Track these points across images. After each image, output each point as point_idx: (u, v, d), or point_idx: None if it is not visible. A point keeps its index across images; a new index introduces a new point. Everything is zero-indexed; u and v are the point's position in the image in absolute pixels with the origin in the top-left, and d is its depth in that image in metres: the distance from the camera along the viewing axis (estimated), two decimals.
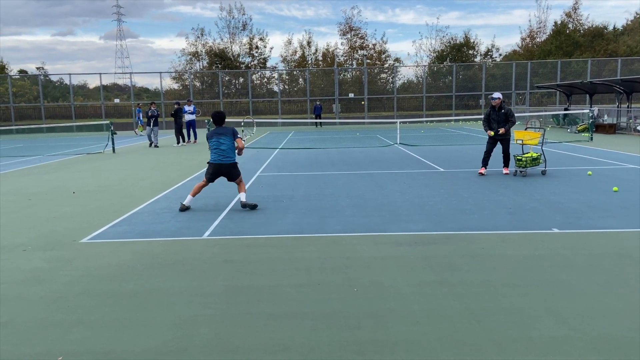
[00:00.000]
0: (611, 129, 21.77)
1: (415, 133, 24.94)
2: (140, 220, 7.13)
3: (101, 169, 13.39)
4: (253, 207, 7.60)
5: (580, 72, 38.47)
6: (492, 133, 10.32)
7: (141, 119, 30.84)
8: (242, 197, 7.68)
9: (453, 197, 8.18)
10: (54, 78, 47.54)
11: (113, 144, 18.70)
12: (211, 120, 7.81)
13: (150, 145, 20.30)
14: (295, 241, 5.87)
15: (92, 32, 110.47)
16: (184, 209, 7.61)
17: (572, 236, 5.79)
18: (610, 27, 57.36)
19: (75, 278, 4.81)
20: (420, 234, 6.01)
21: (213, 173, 7.69)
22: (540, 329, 3.51)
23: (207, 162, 7.84)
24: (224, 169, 7.64)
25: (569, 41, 52.02)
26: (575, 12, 55.76)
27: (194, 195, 7.77)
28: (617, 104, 24.28)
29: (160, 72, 39.19)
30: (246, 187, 9.73)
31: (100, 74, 38.33)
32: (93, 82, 41.92)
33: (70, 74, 38.10)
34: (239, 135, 7.78)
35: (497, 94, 10.27)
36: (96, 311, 4.02)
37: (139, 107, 31.44)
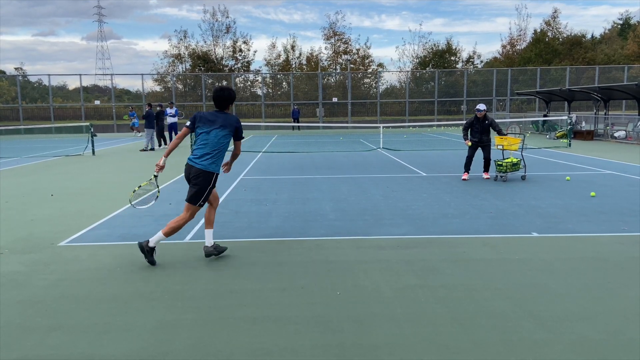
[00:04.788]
0: (589, 136, 22.21)
1: (398, 138, 25.12)
2: (121, 224, 7.03)
3: (80, 172, 13.18)
4: (219, 252, 5.35)
5: (559, 79, 39.21)
6: (470, 143, 10.53)
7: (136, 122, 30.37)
8: (208, 237, 5.32)
9: (435, 202, 8.25)
10: (32, 79, 46.79)
11: (93, 146, 18.43)
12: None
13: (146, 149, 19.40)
14: (278, 245, 5.86)
15: (74, 32, 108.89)
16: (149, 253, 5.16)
17: (551, 240, 5.88)
18: (589, 36, 58.71)
19: (53, 282, 4.72)
20: (403, 238, 6.04)
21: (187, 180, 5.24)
22: (521, 331, 3.55)
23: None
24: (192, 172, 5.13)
25: (548, 49, 53.06)
26: (554, 20, 56.92)
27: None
28: (595, 111, 24.79)
29: (142, 74, 38.84)
30: (229, 189, 9.69)
31: (80, 75, 37.87)
32: (73, 84, 41.31)
33: (49, 75, 37.52)
34: (242, 135, 5.32)
35: (482, 106, 10.43)
36: (75, 315, 3.94)
37: (132, 110, 30.99)
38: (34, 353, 3.36)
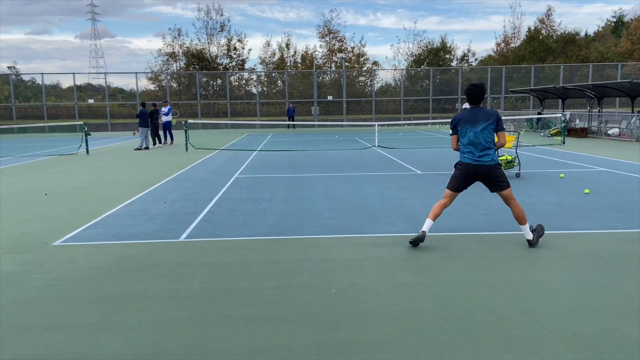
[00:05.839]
0: (583, 133, 22.31)
1: (393, 136, 25.14)
2: (115, 223, 7.00)
3: (74, 171, 13.12)
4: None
5: (553, 77, 39.36)
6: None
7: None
8: (527, 231, 5.52)
9: (430, 199, 8.26)
10: (26, 77, 46.48)
11: (87, 145, 18.35)
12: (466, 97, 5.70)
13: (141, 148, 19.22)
14: (273, 243, 5.85)
15: (68, 31, 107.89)
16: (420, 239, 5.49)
17: (545, 237, 5.89)
18: (583, 34, 58.92)
19: (47, 281, 4.69)
20: (398, 236, 6.05)
21: (464, 177, 5.55)
22: (516, 328, 3.57)
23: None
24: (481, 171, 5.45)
25: (542, 47, 53.22)
26: (548, 18, 57.12)
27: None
28: (589, 108, 24.90)
29: (136, 73, 38.68)
30: (224, 188, 9.67)
31: (73, 73, 37.63)
32: (66, 82, 41.10)
33: (42, 74, 37.29)
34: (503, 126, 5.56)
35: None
36: (69, 315, 3.93)
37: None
38: (28, 353, 3.34)
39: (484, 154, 5.41)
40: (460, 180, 5.54)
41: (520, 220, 5.51)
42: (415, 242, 5.51)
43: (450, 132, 5.71)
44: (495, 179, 5.46)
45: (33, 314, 3.98)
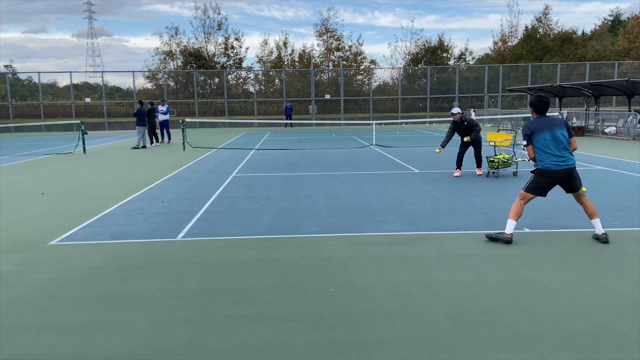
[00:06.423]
0: (580, 132, 22.35)
1: (390, 134, 25.15)
2: (112, 222, 6.99)
3: (71, 170, 13.08)
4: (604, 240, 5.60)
5: (550, 75, 39.42)
6: (439, 150, 10.70)
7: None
8: (598, 226, 5.68)
9: (427, 198, 8.27)
10: (22, 76, 46.30)
11: (84, 144, 18.30)
12: (531, 108, 5.88)
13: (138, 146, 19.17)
14: (271, 242, 5.85)
15: (65, 29, 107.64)
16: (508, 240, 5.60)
17: (542, 236, 5.91)
18: (580, 33, 59.04)
19: (44, 281, 4.68)
20: (395, 235, 6.05)
21: (550, 183, 5.71)
22: (513, 327, 3.57)
23: (534, 170, 5.83)
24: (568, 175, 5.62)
25: (540, 45, 53.26)
26: (545, 17, 57.18)
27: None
28: (586, 107, 24.95)
29: (133, 71, 38.61)
30: (222, 187, 9.66)
31: (70, 72, 37.56)
32: (63, 81, 40.91)
33: (39, 72, 37.16)
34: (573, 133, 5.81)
35: (456, 109, 10.42)
36: (66, 315, 3.92)
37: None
38: (25, 353, 3.33)
39: (567, 157, 5.58)
40: (546, 187, 5.72)
41: (593, 215, 5.67)
42: (496, 240, 5.66)
43: (525, 143, 5.80)
44: (576, 180, 5.67)
45: (29, 313, 3.96)
